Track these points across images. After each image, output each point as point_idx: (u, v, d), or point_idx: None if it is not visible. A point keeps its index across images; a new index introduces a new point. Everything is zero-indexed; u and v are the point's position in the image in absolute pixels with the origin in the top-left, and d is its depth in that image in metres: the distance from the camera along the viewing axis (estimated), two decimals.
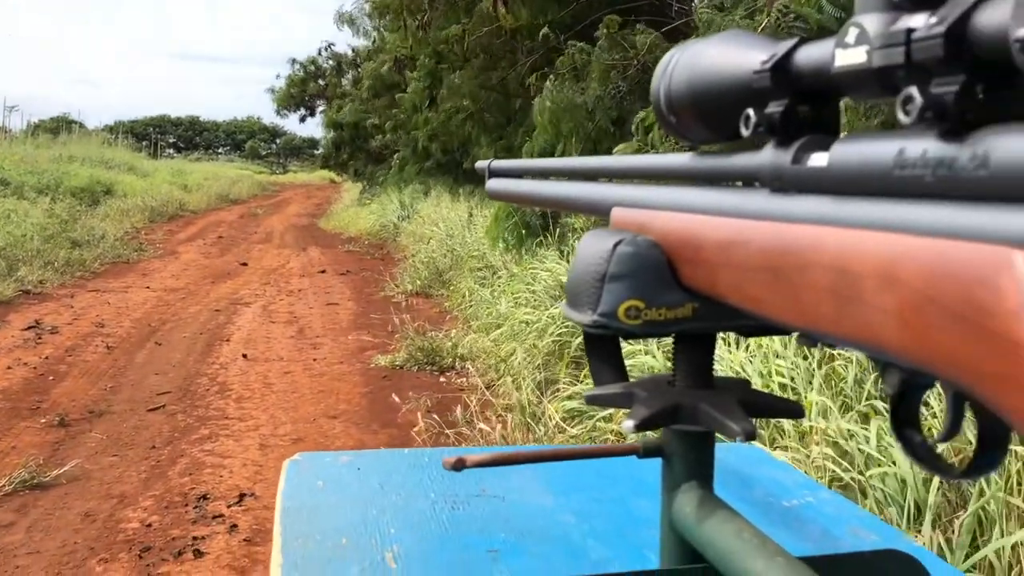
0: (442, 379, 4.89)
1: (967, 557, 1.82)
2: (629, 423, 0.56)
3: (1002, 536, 1.78)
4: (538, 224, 6.27)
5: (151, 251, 10.62)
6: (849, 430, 2.23)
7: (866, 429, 2.24)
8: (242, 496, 3.21)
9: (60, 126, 26.58)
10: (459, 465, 0.58)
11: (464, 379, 4.78)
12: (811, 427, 2.33)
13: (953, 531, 1.89)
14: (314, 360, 5.38)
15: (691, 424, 0.58)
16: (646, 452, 0.61)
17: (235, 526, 2.95)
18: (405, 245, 10.53)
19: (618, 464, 1.18)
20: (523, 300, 5.22)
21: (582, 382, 3.63)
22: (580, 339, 4.16)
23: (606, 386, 0.62)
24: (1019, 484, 1.89)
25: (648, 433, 0.62)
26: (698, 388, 0.60)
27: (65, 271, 8.26)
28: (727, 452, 1.27)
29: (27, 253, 8.43)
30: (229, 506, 3.12)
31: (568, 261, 5.17)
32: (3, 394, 4.39)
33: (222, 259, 10.31)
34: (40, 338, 5.66)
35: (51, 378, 4.74)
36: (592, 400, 0.62)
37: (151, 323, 6.36)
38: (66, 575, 2.61)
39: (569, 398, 3.53)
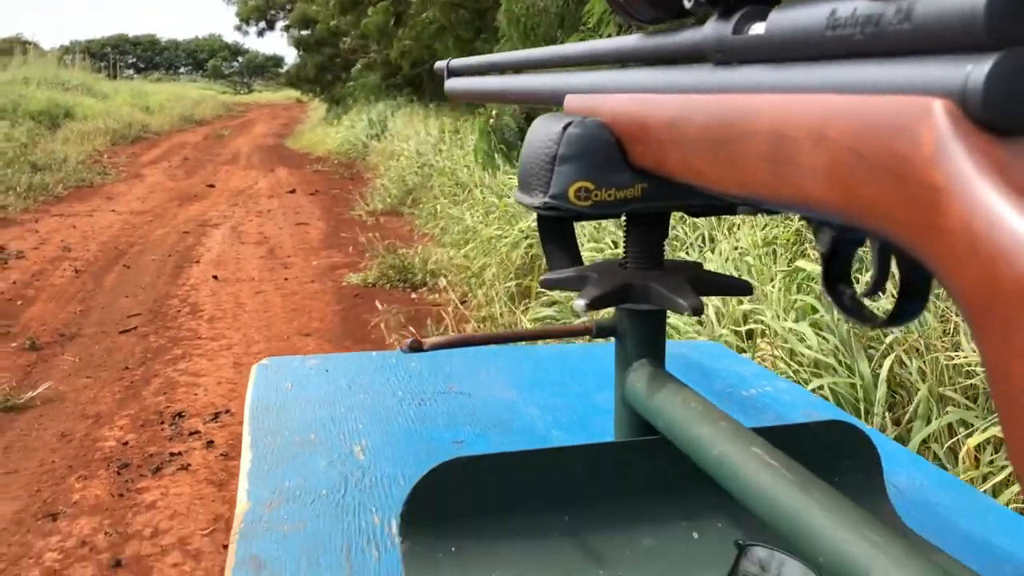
0: (414, 295, 4.91)
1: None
2: (580, 302, 0.57)
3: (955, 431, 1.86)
4: (517, 140, 6.21)
5: (115, 174, 10.43)
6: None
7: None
8: (217, 414, 3.24)
9: (13, 47, 25.66)
10: (415, 345, 0.59)
11: (436, 295, 4.80)
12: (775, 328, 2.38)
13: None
14: (285, 279, 5.37)
15: (641, 303, 0.59)
16: (599, 332, 0.63)
17: (211, 442, 2.99)
18: (374, 164, 10.42)
19: (583, 360, 1.20)
20: (497, 215, 5.21)
21: (553, 291, 3.66)
22: None
23: (560, 270, 0.63)
24: (949, 378, 1.97)
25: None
26: (648, 269, 0.61)
27: (28, 196, 8.12)
28: (690, 348, 1.30)
29: None
30: (205, 423, 3.15)
31: None
32: None
33: (188, 181, 10.15)
34: (6, 263, 5.59)
35: (19, 303, 4.71)
36: (547, 284, 0.63)
37: (118, 246, 6.29)
38: (46, 492, 2.64)
39: (542, 306, 3.56)
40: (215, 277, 5.40)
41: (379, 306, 4.23)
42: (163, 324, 4.41)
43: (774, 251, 2.96)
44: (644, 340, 0.62)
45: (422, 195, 7.49)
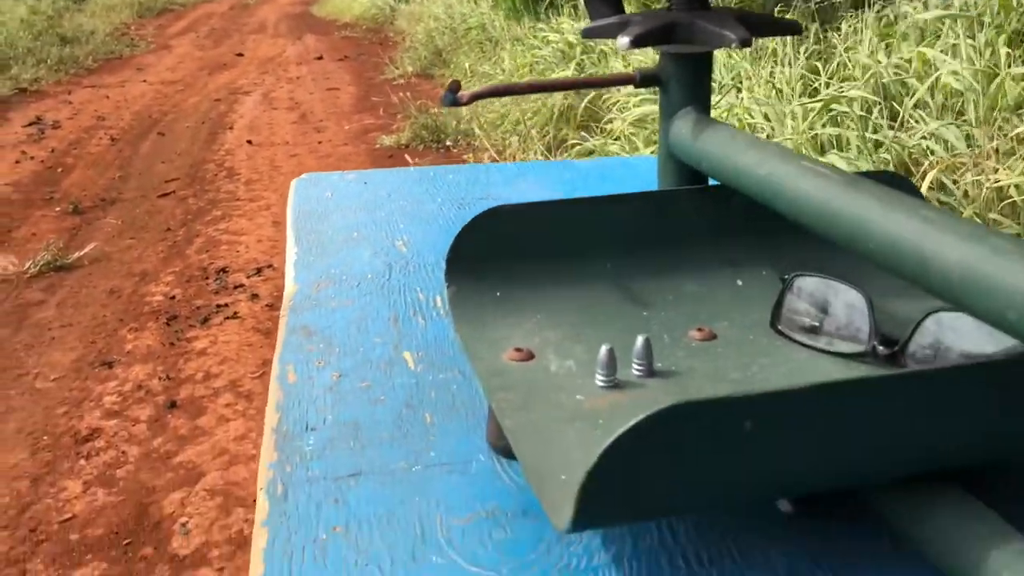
0: (451, 149, 4.87)
1: None
2: (624, 39, 0.55)
3: None
4: None
5: (143, 46, 10.30)
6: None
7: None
8: (260, 268, 3.29)
9: None
10: (455, 88, 0.58)
11: (471, 154, 4.75)
12: None
13: None
14: (319, 143, 5.35)
15: (687, 41, 0.57)
16: (643, 80, 0.61)
17: (256, 295, 3.05)
18: (403, 27, 10.17)
19: (622, 169, 1.19)
20: (530, 67, 5.09)
21: (592, 139, 3.61)
22: (587, 101, 4.09)
23: (602, 19, 0.61)
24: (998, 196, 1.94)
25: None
26: (694, 10, 0.59)
27: (59, 68, 8.07)
28: None
29: (18, 51, 8.21)
30: (248, 277, 3.21)
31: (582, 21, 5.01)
32: (15, 186, 4.43)
33: (217, 51, 10.01)
34: (43, 133, 5.62)
35: (59, 170, 4.75)
36: (588, 33, 0.61)
37: (152, 115, 6.28)
38: (100, 343, 2.73)
39: (578, 156, 3.52)
40: (249, 142, 5.39)
41: (410, 160, 4.22)
42: (201, 188, 4.45)
43: (780, 93, 2.88)
44: (689, 85, 0.60)
45: (452, 56, 7.33)
